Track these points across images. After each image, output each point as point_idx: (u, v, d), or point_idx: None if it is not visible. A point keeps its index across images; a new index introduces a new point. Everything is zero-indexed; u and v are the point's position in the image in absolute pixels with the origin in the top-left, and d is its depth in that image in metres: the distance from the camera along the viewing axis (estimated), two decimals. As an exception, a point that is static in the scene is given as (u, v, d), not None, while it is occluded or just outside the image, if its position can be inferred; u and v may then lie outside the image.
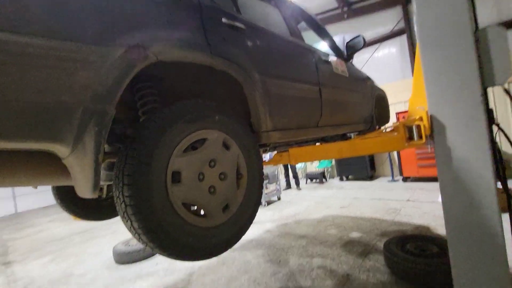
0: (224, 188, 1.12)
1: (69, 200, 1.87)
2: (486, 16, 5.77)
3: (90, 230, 5.39)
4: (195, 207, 1.06)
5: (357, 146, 1.76)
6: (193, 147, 1.07)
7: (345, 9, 7.75)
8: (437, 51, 1.31)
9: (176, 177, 0.98)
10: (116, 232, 4.95)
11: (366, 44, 2.48)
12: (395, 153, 6.69)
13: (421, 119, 1.37)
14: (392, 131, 1.78)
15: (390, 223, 3.69)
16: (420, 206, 4.27)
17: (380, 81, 4.06)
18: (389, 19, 7.52)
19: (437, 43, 1.31)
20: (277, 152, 2.05)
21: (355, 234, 3.53)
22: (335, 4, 7.76)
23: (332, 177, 8.42)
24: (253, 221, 1.27)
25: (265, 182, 5.86)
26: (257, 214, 1.32)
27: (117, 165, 0.90)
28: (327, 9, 8.02)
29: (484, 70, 1.24)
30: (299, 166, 8.50)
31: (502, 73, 1.21)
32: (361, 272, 2.48)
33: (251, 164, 1.27)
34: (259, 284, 2.57)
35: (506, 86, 1.94)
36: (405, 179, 6.26)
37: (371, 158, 7.21)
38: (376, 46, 7.66)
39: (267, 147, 1.77)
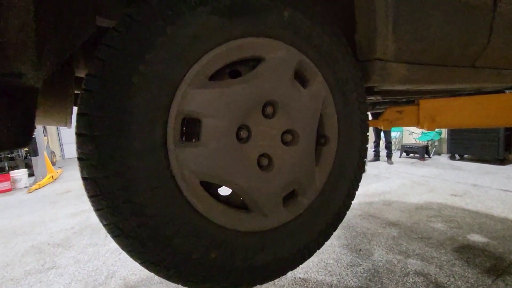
0: (289, 160, 0.58)
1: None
2: None
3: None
4: (227, 193, 0.57)
5: None
6: (233, 72, 0.55)
7: None
8: None
9: (190, 129, 0.50)
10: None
11: None
12: (554, 130, 4.62)
13: None
14: None
15: (544, 233, 2.49)
16: None
17: None
18: None
19: None
20: (390, 108, 1.27)
21: (476, 238, 2.54)
22: None
23: (437, 153, 6.75)
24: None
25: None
26: (361, 180, 0.77)
27: None
28: None
29: None
30: (393, 134, 7.12)
31: None
32: (492, 301, 1.66)
33: (349, 120, 0.67)
34: (331, 274, 2.09)
35: None
36: None
37: (508, 134, 5.22)
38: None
39: (377, 97, 1.07)
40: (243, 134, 0.54)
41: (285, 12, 0.54)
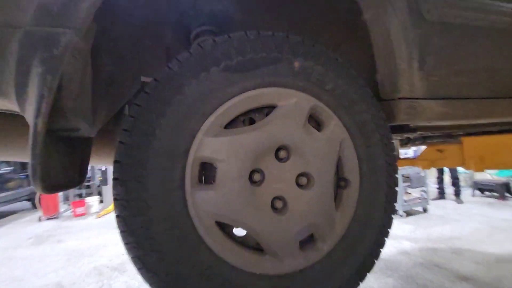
0: (305, 203, 0.58)
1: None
2: None
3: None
4: (242, 234, 0.59)
5: None
6: (249, 119, 0.59)
7: None
8: None
9: (207, 172, 0.54)
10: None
11: None
12: None
13: None
14: None
15: None
16: None
17: None
18: None
19: None
20: (429, 146, 1.16)
21: None
22: None
23: (524, 191, 5.60)
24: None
25: (403, 184, 4.56)
26: (391, 226, 0.72)
27: None
28: None
29: None
30: (461, 169, 6.22)
31: None
32: None
33: (372, 162, 0.64)
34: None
35: None
36: None
37: None
38: None
39: (409, 134, 1.00)
40: (257, 177, 0.57)
41: (295, 62, 0.59)
